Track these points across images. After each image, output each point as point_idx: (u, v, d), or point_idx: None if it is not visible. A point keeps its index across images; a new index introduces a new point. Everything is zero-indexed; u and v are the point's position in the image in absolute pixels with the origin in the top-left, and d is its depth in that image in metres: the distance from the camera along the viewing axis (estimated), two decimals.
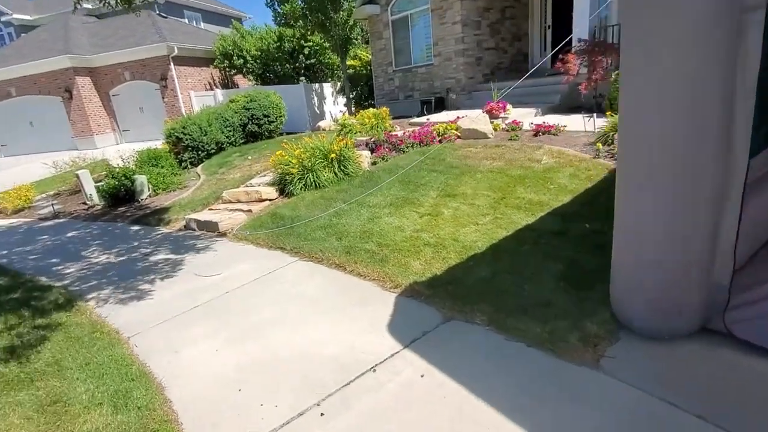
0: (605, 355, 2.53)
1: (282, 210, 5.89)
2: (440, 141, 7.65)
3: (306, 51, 15.65)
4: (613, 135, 5.88)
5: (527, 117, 8.77)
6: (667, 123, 2.21)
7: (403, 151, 7.42)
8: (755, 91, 2.01)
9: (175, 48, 15.33)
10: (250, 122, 11.22)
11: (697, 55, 2.06)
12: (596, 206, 4.33)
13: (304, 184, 6.40)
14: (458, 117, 8.44)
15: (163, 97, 16.04)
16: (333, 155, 6.50)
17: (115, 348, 3.22)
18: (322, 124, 12.79)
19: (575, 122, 7.64)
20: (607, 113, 6.45)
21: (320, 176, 6.42)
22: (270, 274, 4.30)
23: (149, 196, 8.36)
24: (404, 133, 8.01)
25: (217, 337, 3.31)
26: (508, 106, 8.72)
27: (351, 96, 14.68)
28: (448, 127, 7.80)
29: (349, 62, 15.81)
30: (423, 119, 10.38)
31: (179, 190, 8.62)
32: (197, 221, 6.10)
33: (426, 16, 11.94)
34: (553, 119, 7.85)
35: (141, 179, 8.19)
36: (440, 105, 11.71)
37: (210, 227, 5.91)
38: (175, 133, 10.06)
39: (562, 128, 7.17)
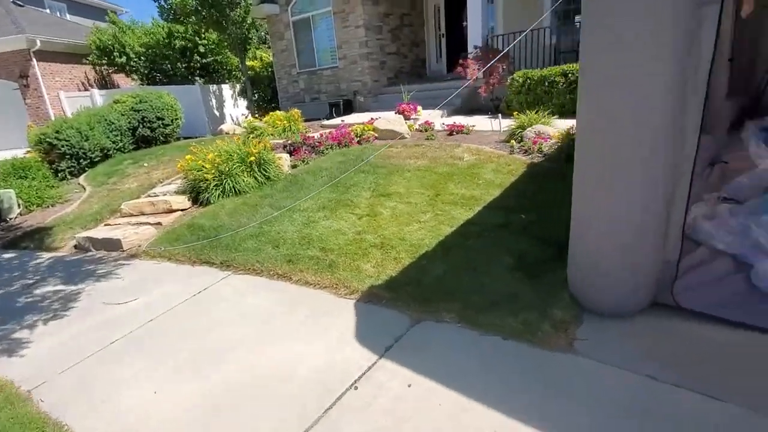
0: (577, 338, 2.59)
1: (200, 220, 5.22)
2: (359, 142, 7.50)
3: (201, 49, 14.33)
4: (521, 133, 6.27)
5: (435, 118, 9.01)
6: (631, 117, 2.31)
7: (323, 153, 7.11)
8: (706, 83, 2.18)
9: (38, 41, 12.96)
10: (141, 125, 9.91)
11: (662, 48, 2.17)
12: (526, 198, 4.52)
13: (221, 191, 5.76)
14: (372, 119, 8.36)
15: (24, 99, 13.48)
16: (252, 158, 5.96)
17: (15, 407, 2.48)
18: (225, 127, 11.81)
19: (481, 123, 8.04)
20: (514, 113, 6.85)
21: (240, 181, 5.84)
22: (202, 293, 3.74)
23: (20, 213, 6.90)
24: (321, 135, 7.70)
25: (154, 375, 2.74)
26: (419, 108, 8.90)
27: (253, 98, 13.83)
28: (366, 128, 7.68)
29: (249, 63, 14.88)
30: (335, 121, 10.13)
31: (60, 204, 7.25)
32: (93, 240, 5.13)
33: (328, 19, 11.70)
34: (459, 120, 8.16)
35: (8, 194, 6.72)
36: (348, 107, 11.56)
37: (111, 245, 5.01)
38: (48, 139, 8.46)
39: (471, 128, 7.48)
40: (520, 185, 4.86)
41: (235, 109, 14.79)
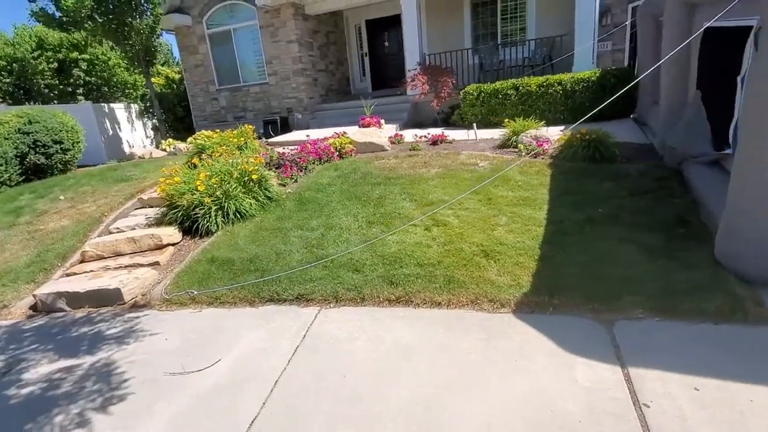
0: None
1: (219, 253, 4.11)
2: (340, 156, 6.91)
3: (84, 65, 11.79)
4: (515, 139, 6.44)
5: (392, 131, 8.83)
6: None
7: (307, 169, 6.35)
8: None
9: None
10: (33, 151, 7.66)
11: None
12: (579, 194, 4.54)
13: (224, 217, 4.66)
14: (339, 133, 7.78)
15: None
16: (255, 176, 4.97)
17: None
18: (137, 151, 9.86)
19: (451, 134, 8.09)
20: (505, 122, 6.89)
21: (243, 204, 4.80)
22: (308, 337, 2.86)
23: None
24: (288, 151, 6.88)
25: None
26: (382, 121, 8.61)
27: (162, 117, 11.88)
28: (343, 142, 7.10)
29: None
30: (284, 137, 9.22)
31: None
32: (68, 295, 3.64)
33: (254, 32, 10.73)
34: (411, 132, 8.15)
35: None
36: (285, 125, 10.67)
37: (103, 298, 3.61)
38: None
39: (448, 139, 7.46)
40: (560, 184, 4.90)
41: (132, 132, 12.50)
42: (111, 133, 11.79)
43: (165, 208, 4.81)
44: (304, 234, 4.32)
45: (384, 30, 12.69)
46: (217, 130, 8.08)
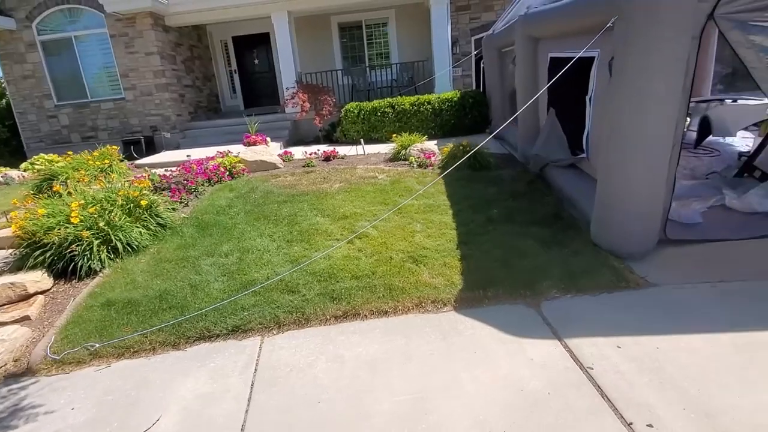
0: (644, 277, 3.23)
1: (114, 294, 3.42)
2: (231, 176, 6.41)
3: None
4: (404, 153, 6.82)
5: (279, 149, 8.56)
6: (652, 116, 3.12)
7: (197, 191, 5.74)
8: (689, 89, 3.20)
9: None
10: None
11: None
12: (474, 199, 5.02)
13: (109, 252, 3.89)
14: (223, 152, 7.21)
15: None
16: (143, 202, 4.27)
17: None
18: None
19: (340, 150, 8.16)
20: (394, 138, 7.22)
21: (132, 235, 4.08)
22: (260, 373, 2.56)
23: None
24: (169, 173, 6.14)
25: None
26: (268, 139, 8.23)
27: None
28: (232, 161, 6.61)
29: None
30: (153, 159, 8.12)
31: None
32: None
33: (103, 41, 9.30)
34: (299, 149, 8.09)
35: None
36: (150, 145, 9.42)
37: None
38: None
39: (340, 155, 7.53)
40: (455, 191, 5.33)
41: None
42: None
43: (24, 249, 3.80)
44: (217, 261, 3.88)
45: (253, 47, 12.23)
46: (69, 153, 6.75)
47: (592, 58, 4.15)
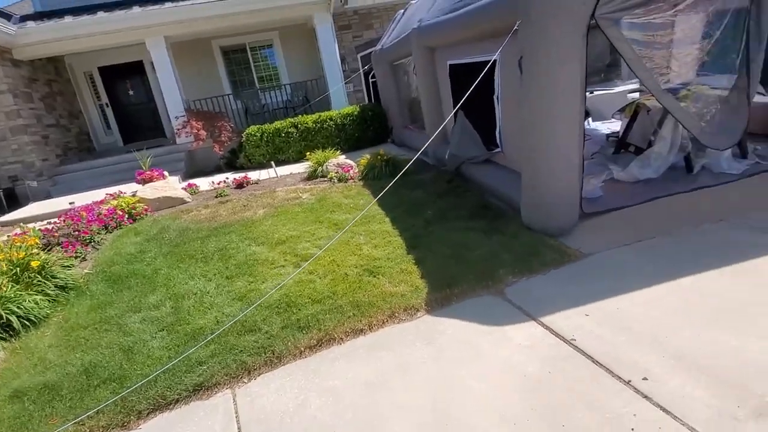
0: (578, 250, 3.54)
1: (22, 381, 2.66)
2: (132, 219, 5.57)
3: None
4: (321, 170, 6.63)
5: (178, 183, 7.74)
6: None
7: (94, 242, 4.86)
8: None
9: None
10: None
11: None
12: (404, 205, 5.05)
13: (1, 331, 3.04)
14: (113, 194, 6.25)
15: None
16: (35, 263, 3.43)
17: None
18: None
19: (251, 175, 7.64)
20: (310, 158, 6.94)
21: (27, 306, 3.25)
22: (246, 428, 2.19)
23: None
24: (50, 226, 5.12)
25: None
26: (166, 173, 7.33)
27: None
28: (129, 201, 5.76)
29: None
30: (21, 214, 6.67)
31: None
32: None
33: None
34: (203, 180, 7.50)
35: None
36: (12, 198, 7.75)
37: None
38: None
39: (253, 180, 7.05)
40: (385, 199, 5.27)
41: None
42: None
43: None
44: (147, 315, 3.29)
45: (124, 78, 10.93)
46: None
47: (494, 62, 4.48)
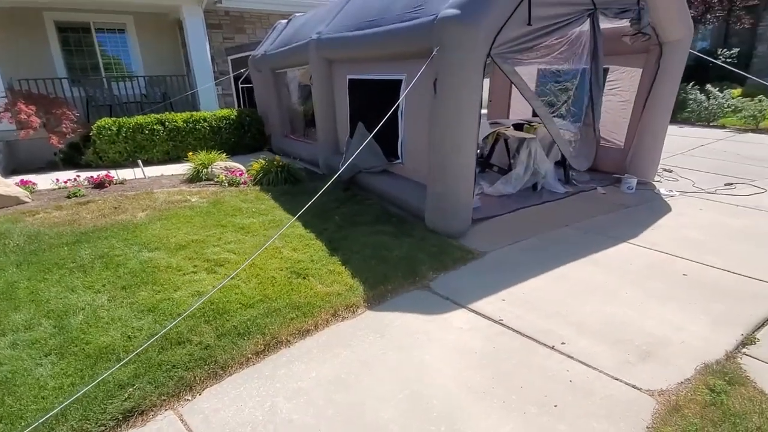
0: (477, 249, 4.07)
1: None
2: None
3: None
4: (206, 172, 5.98)
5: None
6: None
7: None
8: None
9: None
10: None
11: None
12: (310, 209, 4.95)
13: None
14: None
15: None
16: None
17: None
18: None
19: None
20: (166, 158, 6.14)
21: None
22: None
23: None
24: None
25: None
26: None
27: None
28: None
29: None
30: None
31: None
32: None
33: None
34: (39, 178, 6.10)
35: None
36: None
37: None
38: None
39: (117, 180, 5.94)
40: (288, 205, 5.10)
41: None
42: None
43: None
44: (18, 338, 2.52)
45: None
46: None
47: (399, 81, 4.85)
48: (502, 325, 2.80)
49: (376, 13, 5.13)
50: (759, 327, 2.60)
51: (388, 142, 5.33)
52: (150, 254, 3.62)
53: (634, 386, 2.17)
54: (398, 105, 4.94)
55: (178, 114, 8.07)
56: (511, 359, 2.44)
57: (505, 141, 6.19)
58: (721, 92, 10.68)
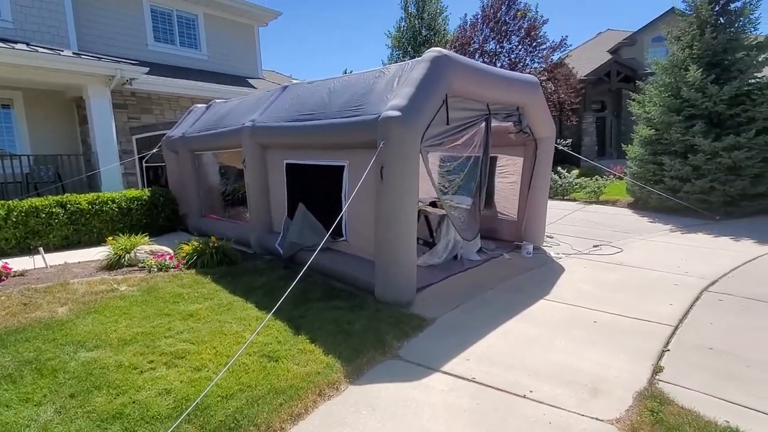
0: (427, 317, 4.36)
1: None
2: None
3: None
4: (128, 257, 5.41)
5: None
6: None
7: None
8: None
9: None
10: None
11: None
12: (258, 290, 4.78)
13: None
14: None
15: None
16: None
17: None
18: None
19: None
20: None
21: None
22: None
23: None
24: None
25: None
26: None
27: None
28: None
29: None
30: None
31: None
32: None
33: None
34: None
35: None
36: None
37: None
38: None
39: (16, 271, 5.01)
40: (231, 287, 4.86)
41: None
42: None
43: None
44: None
45: None
46: None
47: (341, 166, 5.25)
48: (476, 382, 3.06)
49: (313, 107, 5.61)
50: (660, 357, 3.31)
51: (331, 221, 5.57)
52: (90, 354, 3.14)
53: (597, 419, 2.58)
54: (341, 188, 5.30)
55: (82, 195, 7.25)
56: (496, 411, 2.69)
57: (426, 217, 6.89)
58: (569, 172, 13.42)
